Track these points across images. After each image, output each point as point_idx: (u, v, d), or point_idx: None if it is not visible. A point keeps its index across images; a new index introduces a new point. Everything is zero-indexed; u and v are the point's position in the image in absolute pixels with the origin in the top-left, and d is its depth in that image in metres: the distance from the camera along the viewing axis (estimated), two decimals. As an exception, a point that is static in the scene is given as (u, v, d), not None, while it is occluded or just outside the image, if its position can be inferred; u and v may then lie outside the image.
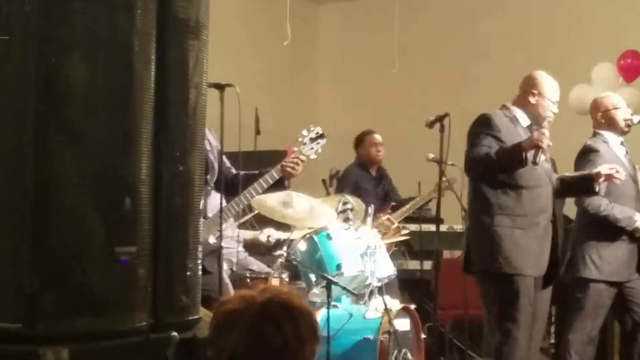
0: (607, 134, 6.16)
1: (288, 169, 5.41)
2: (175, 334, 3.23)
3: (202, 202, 4.97)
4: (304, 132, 5.61)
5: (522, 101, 5.68)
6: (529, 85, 5.67)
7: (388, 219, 7.98)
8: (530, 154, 5.31)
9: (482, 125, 5.52)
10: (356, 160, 8.43)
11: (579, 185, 5.82)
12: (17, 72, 3.07)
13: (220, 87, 5.04)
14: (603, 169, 5.64)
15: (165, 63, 3.28)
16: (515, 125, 5.58)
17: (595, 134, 6.21)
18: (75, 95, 3.07)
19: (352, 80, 11.67)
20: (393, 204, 8.21)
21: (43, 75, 3.05)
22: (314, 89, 11.82)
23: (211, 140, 5.31)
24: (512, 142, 5.44)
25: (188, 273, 3.33)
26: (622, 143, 6.19)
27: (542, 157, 5.52)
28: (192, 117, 3.38)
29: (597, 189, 5.73)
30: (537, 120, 5.61)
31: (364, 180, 8.23)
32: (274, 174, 5.38)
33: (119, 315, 3.12)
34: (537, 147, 5.29)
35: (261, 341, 2.17)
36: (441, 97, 10.00)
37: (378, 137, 8.34)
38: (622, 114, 6.17)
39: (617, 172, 5.64)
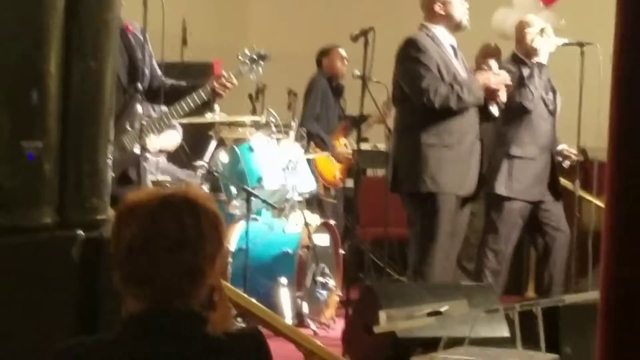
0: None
1: (218, 92, 5.11)
2: (81, 232, 3.18)
3: (134, 109, 4.89)
4: (246, 52, 5.37)
5: (433, 18, 5.57)
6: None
7: (345, 145, 7.99)
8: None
9: (413, 49, 5.45)
10: (320, 72, 8.27)
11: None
12: None
13: (145, -7, 4.91)
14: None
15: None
16: (438, 45, 5.51)
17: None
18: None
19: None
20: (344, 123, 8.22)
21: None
22: (245, 1, 11.65)
23: (147, 46, 5.05)
24: (442, 60, 5.44)
25: (97, 171, 3.28)
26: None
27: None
28: (106, 12, 3.29)
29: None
30: (455, 29, 5.58)
31: (328, 92, 8.16)
32: (202, 94, 5.07)
33: (24, 211, 3.07)
34: (495, 93, 5.41)
35: (159, 231, 2.12)
36: (368, 11, 9.92)
37: (343, 50, 8.24)
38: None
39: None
